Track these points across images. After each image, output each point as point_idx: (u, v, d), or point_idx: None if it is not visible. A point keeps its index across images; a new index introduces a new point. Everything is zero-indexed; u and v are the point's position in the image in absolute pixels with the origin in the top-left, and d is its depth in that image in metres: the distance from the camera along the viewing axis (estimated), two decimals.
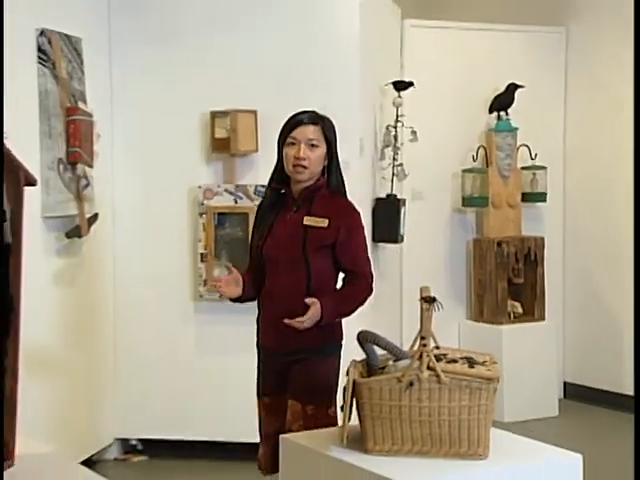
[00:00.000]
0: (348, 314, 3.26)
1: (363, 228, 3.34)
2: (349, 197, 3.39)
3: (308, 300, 3.09)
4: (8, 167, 2.26)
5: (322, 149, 3.24)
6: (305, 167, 3.19)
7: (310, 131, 3.22)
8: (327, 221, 3.20)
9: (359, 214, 3.33)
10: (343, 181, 3.35)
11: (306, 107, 5.12)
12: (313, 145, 3.21)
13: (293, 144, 3.21)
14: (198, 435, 4.99)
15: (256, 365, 3.40)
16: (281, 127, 3.30)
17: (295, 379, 3.24)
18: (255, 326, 3.39)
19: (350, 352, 3.03)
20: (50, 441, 2.57)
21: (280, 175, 3.30)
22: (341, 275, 3.33)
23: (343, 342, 3.33)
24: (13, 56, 4.25)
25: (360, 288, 3.28)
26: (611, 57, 5.98)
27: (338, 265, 3.27)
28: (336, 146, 3.30)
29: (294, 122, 3.25)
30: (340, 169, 3.33)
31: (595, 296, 6.14)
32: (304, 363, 3.22)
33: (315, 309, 3.08)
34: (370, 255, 5.28)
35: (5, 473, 2.23)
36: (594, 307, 6.13)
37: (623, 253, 5.82)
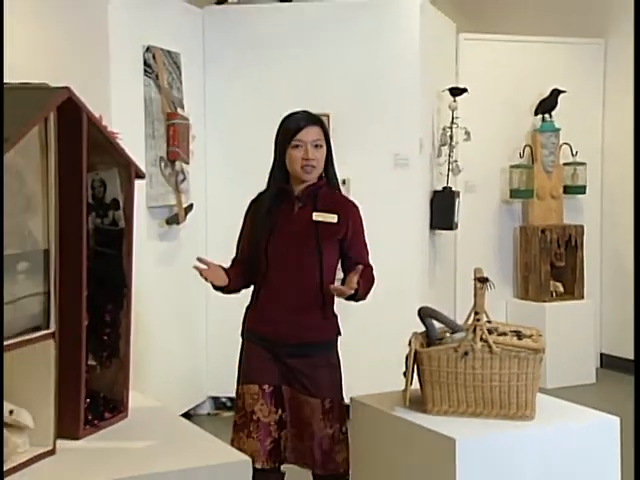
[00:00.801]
0: (365, 297, 2.95)
1: (363, 223, 3.09)
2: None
3: (354, 272, 2.81)
4: (122, 163, 2.31)
5: (324, 148, 2.97)
6: (314, 167, 2.93)
7: (315, 132, 2.94)
8: (336, 216, 2.95)
9: (359, 209, 3.08)
10: (337, 178, 3.07)
11: (372, 111, 5.20)
12: (317, 145, 2.94)
13: (299, 146, 2.92)
14: None
15: (243, 353, 3.05)
16: (281, 128, 2.99)
17: (312, 379, 2.93)
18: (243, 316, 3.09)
19: (408, 326, 3.00)
20: (155, 397, 2.62)
21: (281, 174, 2.99)
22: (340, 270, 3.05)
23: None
24: (123, 69, 4.34)
25: (371, 277, 2.97)
26: None
27: (343, 257, 3.00)
28: (331, 144, 3.03)
29: (297, 125, 2.95)
30: (335, 167, 3.04)
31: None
32: (319, 358, 2.95)
33: (358, 276, 2.81)
34: (427, 240, 5.36)
35: (121, 422, 2.30)
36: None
37: None
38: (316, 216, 2.94)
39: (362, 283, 2.85)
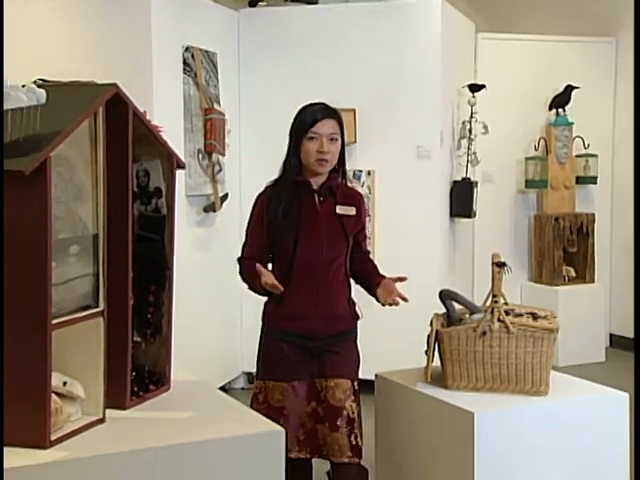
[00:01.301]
0: None
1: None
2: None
3: (393, 279, 2.75)
4: (164, 154, 2.31)
5: (340, 142, 2.74)
6: (328, 161, 2.71)
7: (330, 125, 2.72)
8: (354, 209, 2.79)
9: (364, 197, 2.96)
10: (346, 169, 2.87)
11: (396, 106, 5.18)
12: (332, 139, 2.71)
13: (314, 139, 2.70)
14: None
15: (264, 349, 2.86)
16: (297, 119, 2.77)
17: (343, 360, 2.74)
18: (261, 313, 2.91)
19: (429, 307, 2.99)
20: (194, 372, 2.63)
21: (296, 167, 2.76)
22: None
23: None
24: (165, 68, 4.35)
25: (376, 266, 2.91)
26: None
27: (354, 247, 2.84)
28: (344, 138, 2.81)
29: (314, 117, 2.72)
30: (345, 158, 2.84)
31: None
32: (347, 343, 2.78)
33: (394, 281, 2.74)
34: (447, 228, 5.34)
35: (164, 394, 2.32)
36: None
37: None
38: (339, 209, 2.77)
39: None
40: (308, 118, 2.73)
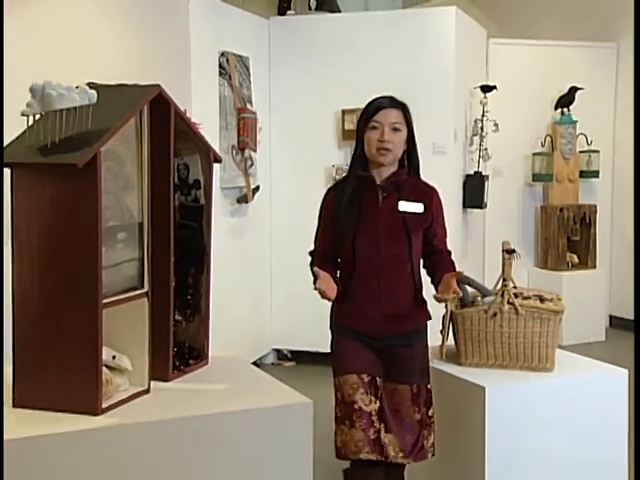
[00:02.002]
0: None
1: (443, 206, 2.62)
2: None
3: (451, 274, 2.43)
4: (203, 149, 2.31)
5: (404, 133, 2.46)
6: (389, 150, 2.42)
7: (393, 115, 2.44)
8: (422, 206, 2.48)
9: (439, 193, 2.60)
10: (419, 164, 2.57)
11: (412, 106, 5.05)
12: (395, 129, 2.43)
13: (376, 128, 2.43)
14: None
15: (335, 346, 2.52)
16: (362, 112, 2.51)
17: (404, 363, 2.47)
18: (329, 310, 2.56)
19: None
20: (228, 348, 2.64)
21: (361, 161, 2.49)
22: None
23: None
24: (202, 71, 4.35)
25: (452, 263, 2.56)
26: None
27: (426, 245, 2.52)
28: (414, 130, 2.52)
29: (376, 106, 2.46)
30: (418, 152, 2.56)
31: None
32: (411, 346, 2.48)
33: (455, 279, 2.41)
34: (461, 218, 5.30)
35: (203, 368, 2.32)
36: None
37: None
38: (402, 205, 2.45)
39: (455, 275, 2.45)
40: (371, 108, 2.47)
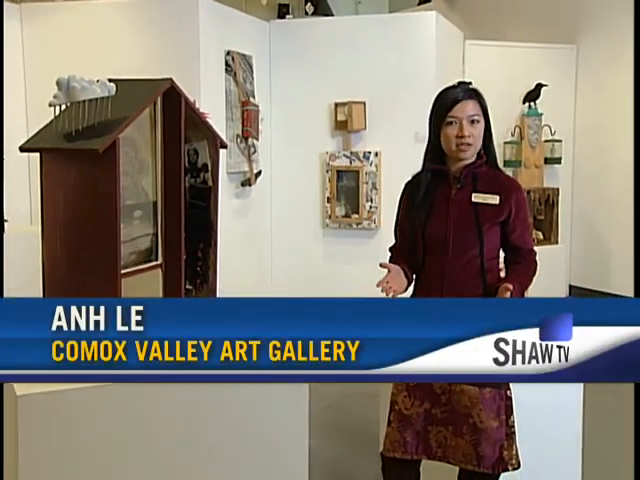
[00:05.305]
0: (527, 288, 2.15)
1: (527, 203, 2.18)
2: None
3: (506, 286, 2.00)
4: (210, 136, 2.28)
5: (482, 123, 2.08)
6: (470, 144, 2.05)
7: (470, 107, 2.07)
8: (498, 198, 2.07)
9: (523, 190, 2.18)
10: (496, 154, 2.17)
11: (398, 99, 5.13)
12: (474, 121, 2.06)
13: (453, 123, 2.06)
14: None
15: None
16: (435, 105, 2.12)
17: None
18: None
19: None
20: None
21: (436, 154, 2.13)
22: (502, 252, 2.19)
23: None
24: (210, 68, 4.31)
25: (533, 265, 2.17)
26: (610, 66, 5.67)
27: (504, 241, 2.13)
28: (490, 119, 2.15)
29: (451, 99, 2.07)
30: (494, 142, 2.16)
31: (592, 227, 5.95)
32: None
33: (509, 295, 1.99)
34: None
35: None
36: (592, 235, 5.94)
37: (611, 198, 5.60)
38: (475, 197, 2.08)
39: (517, 286, 2.03)
40: (445, 101, 2.09)
